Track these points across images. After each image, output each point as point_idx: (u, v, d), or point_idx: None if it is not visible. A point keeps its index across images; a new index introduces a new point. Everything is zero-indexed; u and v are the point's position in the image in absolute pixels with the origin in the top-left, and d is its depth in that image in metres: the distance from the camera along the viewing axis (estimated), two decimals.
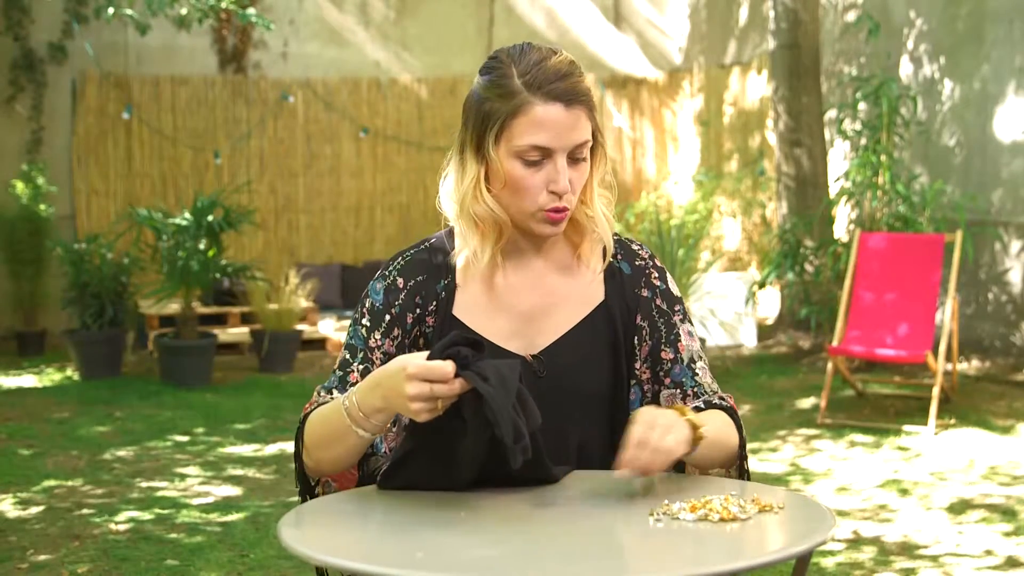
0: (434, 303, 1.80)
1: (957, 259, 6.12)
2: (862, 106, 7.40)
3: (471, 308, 1.80)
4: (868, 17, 7.65)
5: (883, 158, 7.04)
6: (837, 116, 7.77)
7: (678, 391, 1.81)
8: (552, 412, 1.76)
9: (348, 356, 1.80)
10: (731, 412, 1.77)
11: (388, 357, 1.76)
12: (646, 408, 1.66)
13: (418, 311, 1.80)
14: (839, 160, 8.40)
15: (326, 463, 1.70)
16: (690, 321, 1.87)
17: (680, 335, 1.84)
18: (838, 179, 7.68)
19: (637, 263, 1.86)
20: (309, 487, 1.75)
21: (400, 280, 1.81)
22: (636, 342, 1.83)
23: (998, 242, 7.27)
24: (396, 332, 1.79)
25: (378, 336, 1.79)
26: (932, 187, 7.03)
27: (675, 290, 1.88)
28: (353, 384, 1.74)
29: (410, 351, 1.79)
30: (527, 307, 1.81)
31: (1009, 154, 7.24)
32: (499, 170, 1.72)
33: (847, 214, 7.95)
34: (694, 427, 1.62)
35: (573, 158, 1.72)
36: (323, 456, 1.68)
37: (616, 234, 1.87)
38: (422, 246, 1.85)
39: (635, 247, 1.89)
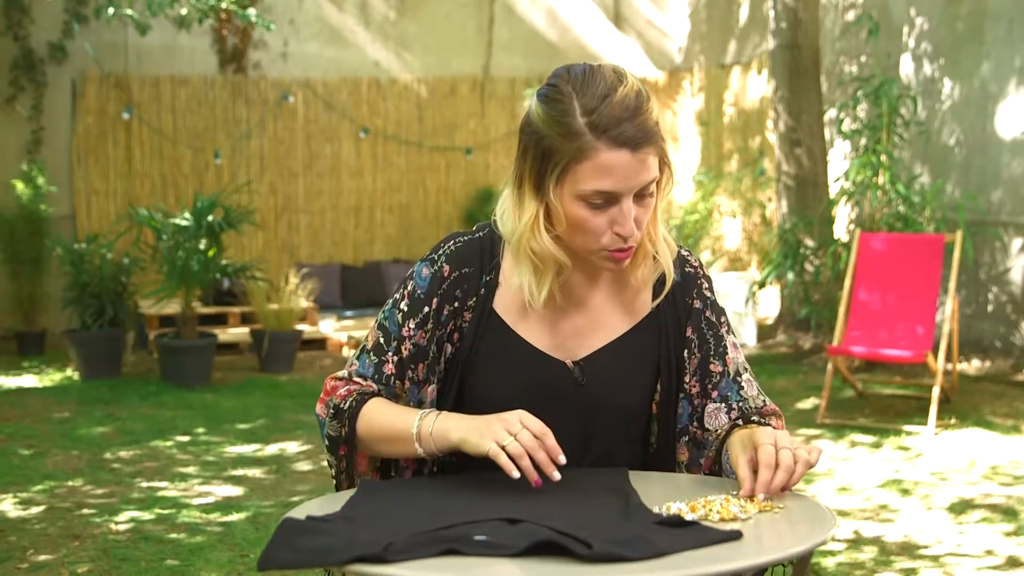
0: (474, 298, 1.74)
1: (957, 259, 6.12)
2: (862, 106, 7.40)
3: (512, 308, 1.75)
4: (868, 17, 7.65)
5: (883, 158, 7.04)
6: (837, 116, 7.77)
7: (723, 405, 1.76)
8: (582, 422, 1.74)
9: (382, 340, 1.75)
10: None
11: (417, 348, 1.73)
12: (754, 432, 1.64)
13: (456, 304, 1.74)
14: (839, 160, 8.40)
15: (371, 452, 1.72)
16: (733, 332, 1.83)
17: (727, 347, 1.79)
18: (838, 179, 7.67)
19: (687, 270, 1.80)
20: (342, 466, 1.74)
21: (447, 267, 1.75)
22: (686, 355, 1.78)
23: (998, 242, 7.26)
24: (430, 325, 1.74)
25: (412, 325, 1.73)
26: (932, 187, 7.03)
27: (720, 301, 1.84)
28: (389, 376, 1.73)
29: (442, 346, 1.74)
30: (572, 317, 1.76)
31: (1009, 154, 7.23)
32: (560, 210, 1.63)
33: (847, 214, 7.95)
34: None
35: (639, 195, 1.63)
36: (371, 448, 1.70)
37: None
38: (476, 234, 1.78)
39: (684, 253, 1.82)
